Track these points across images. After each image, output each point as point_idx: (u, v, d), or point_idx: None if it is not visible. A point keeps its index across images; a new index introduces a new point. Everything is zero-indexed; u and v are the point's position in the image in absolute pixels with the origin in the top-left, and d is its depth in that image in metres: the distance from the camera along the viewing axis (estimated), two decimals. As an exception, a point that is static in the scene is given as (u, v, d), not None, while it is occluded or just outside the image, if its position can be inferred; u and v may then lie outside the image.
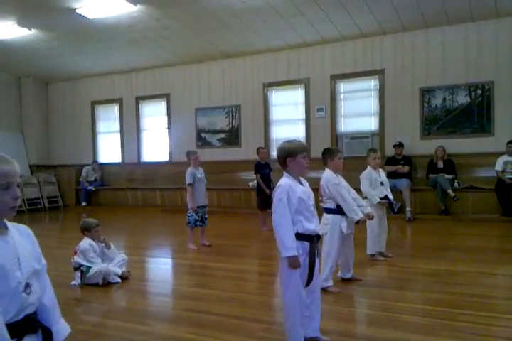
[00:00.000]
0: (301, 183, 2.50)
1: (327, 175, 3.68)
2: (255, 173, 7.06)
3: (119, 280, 4.03)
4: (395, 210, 4.98)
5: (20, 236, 1.46)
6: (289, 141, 2.57)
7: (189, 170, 5.65)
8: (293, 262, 2.32)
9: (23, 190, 10.56)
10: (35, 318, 1.44)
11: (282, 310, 2.53)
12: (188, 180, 5.58)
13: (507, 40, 7.56)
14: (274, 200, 2.42)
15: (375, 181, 4.62)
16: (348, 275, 3.88)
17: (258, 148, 7.39)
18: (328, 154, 3.79)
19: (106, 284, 3.92)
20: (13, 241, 1.41)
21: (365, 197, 4.54)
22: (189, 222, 5.61)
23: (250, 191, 8.93)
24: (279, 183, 2.47)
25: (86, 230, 4.16)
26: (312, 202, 2.51)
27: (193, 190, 5.59)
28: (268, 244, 5.95)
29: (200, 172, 5.72)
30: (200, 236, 5.73)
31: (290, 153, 2.47)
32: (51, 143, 12.10)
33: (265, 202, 7.05)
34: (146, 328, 2.93)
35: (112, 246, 4.22)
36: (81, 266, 3.97)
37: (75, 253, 4.04)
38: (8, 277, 1.35)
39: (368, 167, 4.67)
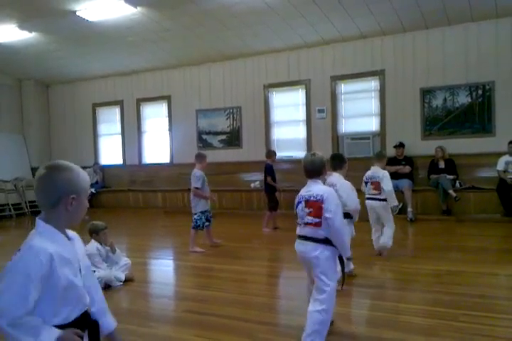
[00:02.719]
0: None
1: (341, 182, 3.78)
2: (269, 175, 7.02)
3: (121, 283, 4.02)
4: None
5: (74, 241, 1.59)
6: (316, 153, 2.71)
7: (200, 173, 5.62)
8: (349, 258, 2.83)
9: (25, 193, 10.57)
10: (87, 317, 1.57)
11: (323, 302, 2.48)
12: (198, 184, 5.55)
13: (507, 40, 7.56)
14: (333, 206, 2.49)
15: None
16: (351, 267, 3.96)
17: (271, 151, 7.38)
18: (338, 161, 3.94)
19: (108, 287, 3.93)
20: (75, 247, 1.55)
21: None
22: (198, 226, 5.54)
23: (251, 192, 8.94)
24: (327, 189, 2.61)
25: (94, 233, 4.14)
26: None
27: (201, 192, 5.58)
28: (270, 245, 5.96)
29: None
30: (208, 237, 5.76)
31: (325, 163, 2.67)
32: (52, 146, 12.12)
33: (277, 202, 7.06)
34: (149, 330, 2.94)
35: (118, 250, 4.23)
36: (84, 268, 3.97)
37: None
38: (77, 281, 1.47)
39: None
